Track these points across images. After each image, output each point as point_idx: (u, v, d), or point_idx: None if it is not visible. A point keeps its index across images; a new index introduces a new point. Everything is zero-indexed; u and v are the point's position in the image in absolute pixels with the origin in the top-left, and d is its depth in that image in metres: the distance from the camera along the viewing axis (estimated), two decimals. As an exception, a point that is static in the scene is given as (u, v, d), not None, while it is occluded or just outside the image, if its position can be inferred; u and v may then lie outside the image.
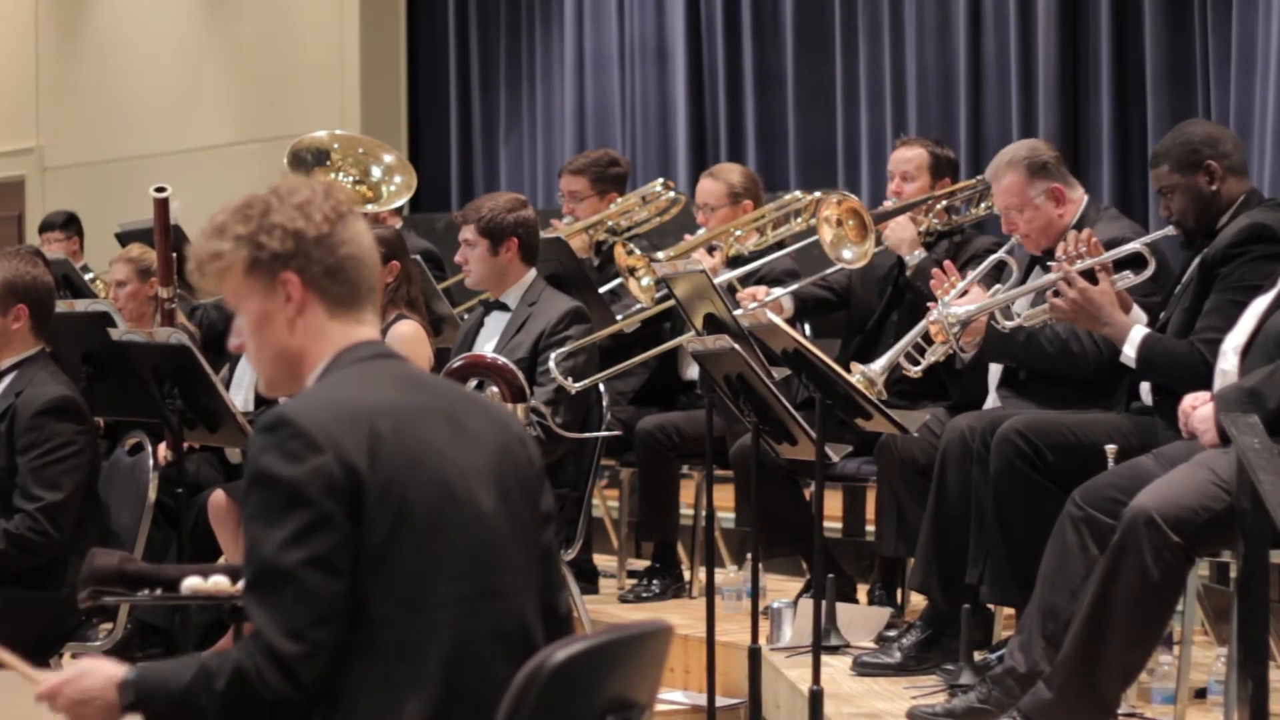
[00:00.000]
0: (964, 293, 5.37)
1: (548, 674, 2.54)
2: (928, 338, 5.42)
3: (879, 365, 5.39)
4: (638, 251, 6.74)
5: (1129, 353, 4.84)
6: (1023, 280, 5.43)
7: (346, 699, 2.64)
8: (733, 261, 6.60)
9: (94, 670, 2.74)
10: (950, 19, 8.62)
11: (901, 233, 6.01)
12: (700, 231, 6.77)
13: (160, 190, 5.88)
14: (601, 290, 6.87)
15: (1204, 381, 4.64)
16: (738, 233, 6.67)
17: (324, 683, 2.62)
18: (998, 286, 5.48)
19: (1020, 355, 5.27)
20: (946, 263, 5.41)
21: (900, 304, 6.09)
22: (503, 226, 6.07)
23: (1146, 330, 4.86)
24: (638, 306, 6.77)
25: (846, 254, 6.05)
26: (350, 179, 7.59)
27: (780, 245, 6.71)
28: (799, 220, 6.72)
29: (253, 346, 2.82)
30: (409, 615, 2.65)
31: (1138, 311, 5.05)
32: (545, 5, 10.77)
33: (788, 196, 6.82)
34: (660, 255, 6.66)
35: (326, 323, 2.78)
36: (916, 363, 5.38)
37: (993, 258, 5.62)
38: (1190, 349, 4.75)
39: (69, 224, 9.66)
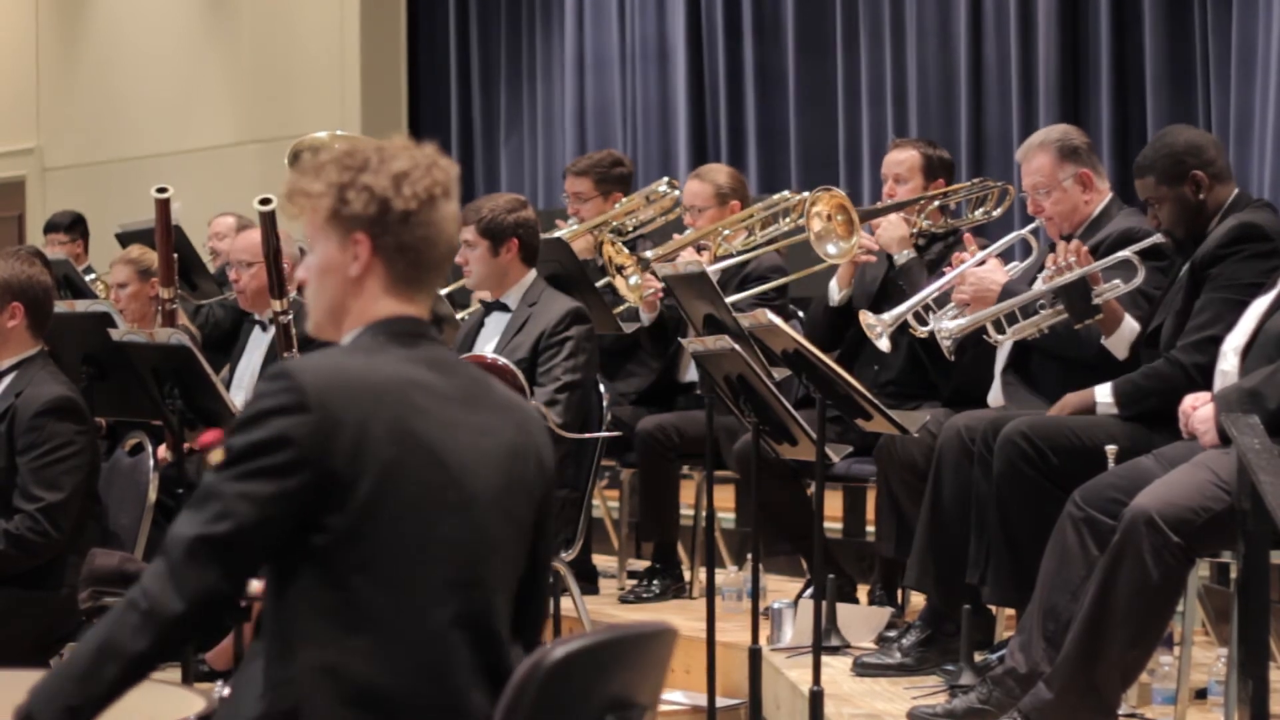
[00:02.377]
0: (981, 262, 5.39)
1: (546, 670, 2.55)
2: (939, 301, 5.44)
3: (888, 316, 5.40)
4: (625, 249, 6.74)
5: (1105, 402, 4.88)
6: (1040, 262, 5.43)
7: (293, 644, 2.67)
8: (721, 261, 6.60)
9: None
10: (951, 20, 8.62)
11: (893, 231, 6.02)
12: (688, 231, 6.78)
13: (161, 191, 5.88)
14: (599, 285, 6.86)
15: (1203, 385, 4.65)
16: (726, 232, 6.67)
17: (205, 605, 2.64)
18: (1014, 263, 5.51)
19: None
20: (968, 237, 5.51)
21: (887, 303, 6.08)
22: (503, 227, 6.07)
23: (1111, 382, 4.90)
24: (625, 305, 6.77)
25: (830, 249, 6.06)
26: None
27: (772, 244, 6.72)
28: (787, 220, 6.72)
29: (313, 287, 2.85)
30: (389, 590, 2.67)
31: (1129, 321, 5.06)
32: (546, 5, 10.77)
33: (776, 196, 6.83)
34: (648, 254, 6.67)
35: (381, 293, 2.80)
36: (925, 323, 5.40)
37: (1015, 234, 5.64)
38: (1172, 362, 4.78)
39: (74, 226, 9.65)
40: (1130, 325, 5.07)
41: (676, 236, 6.79)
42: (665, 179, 7.44)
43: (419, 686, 2.68)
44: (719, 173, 6.95)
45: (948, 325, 5.24)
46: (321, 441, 2.64)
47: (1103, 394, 4.94)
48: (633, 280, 6.69)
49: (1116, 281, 5.01)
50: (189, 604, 2.64)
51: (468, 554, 2.73)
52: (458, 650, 2.71)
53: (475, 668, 2.72)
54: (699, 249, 6.62)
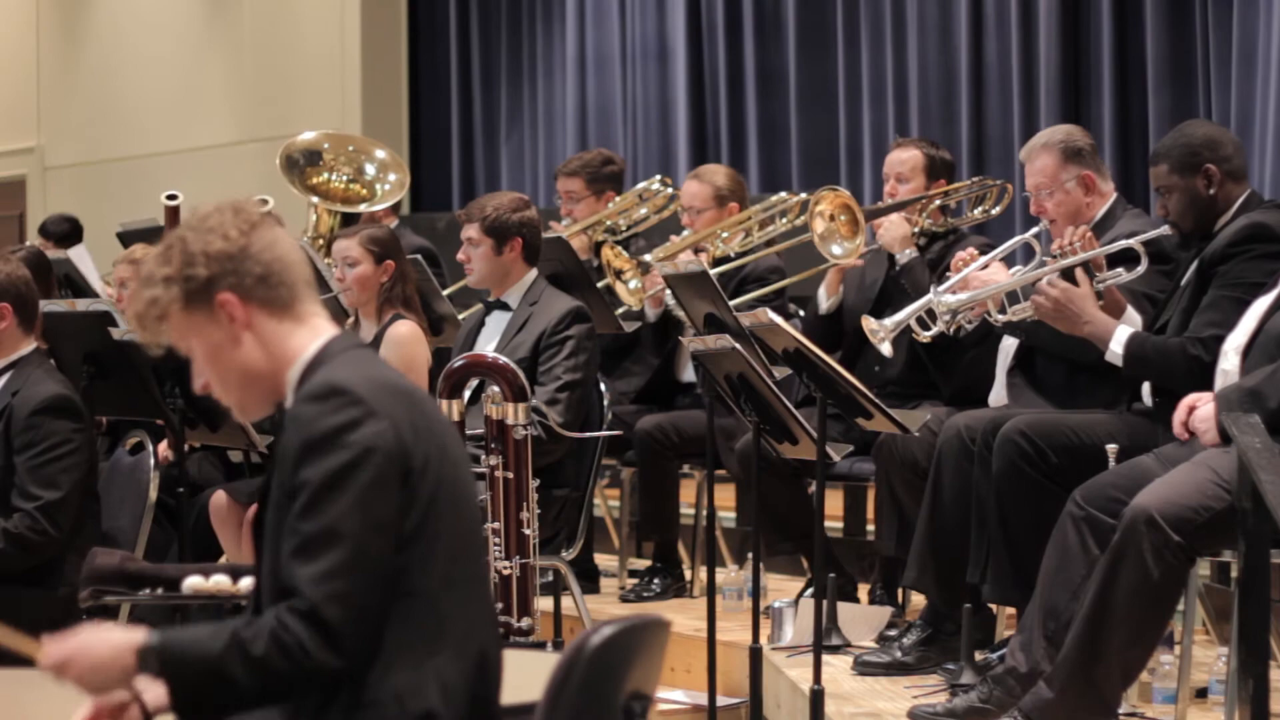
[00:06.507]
0: (984, 266, 5.37)
1: (590, 654, 2.58)
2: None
3: (890, 321, 5.39)
4: (625, 253, 6.74)
5: (1115, 349, 4.85)
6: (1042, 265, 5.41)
7: (381, 668, 2.65)
8: (719, 262, 6.61)
9: (103, 638, 2.75)
10: (952, 18, 8.62)
11: (895, 230, 6.01)
12: (686, 233, 6.78)
13: (171, 198, 5.87)
14: (599, 285, 6.86)
15: (1197, 378, 4.64)
16: (724, 234, 6.67)
17: (362, 651, 2.62)
18: (1018, 268, 5.49)
19: (1032, 327, 5.23)
20: (971, 250, 5.43)
21: (889, 305, 6.07)
22: (507, 226, 6.06)
23: (1133, 330, 4.88)
24: (624, 308, 6.77)
25: (836, 249, 6.06)
26: (344, 178, 7.58)
27: (769, 245, 6.73)
28: (785, 221, 6.72)
29: (216, 379, 2.83)
30: (440, 588, 2.69)
31: (1131, 313, 5.05)
32: (546, 4, 10.77)
33: (774, 198, 6.83)
34: (648, 257, 6.66)
35: (277, 327, 2.80)
36: (927, 328, 5.38)
37: (1018, 238, 5.63)
38: (1180, 346, 4.76)
39: (66, 239, 9.45)
40: (1133, 317, 5.05)
41: (674, 238, 6.79)
42: (658, 177, 7.44)
43: (483, 683, 2.71)
44: (718, 174, 6.94)
45: (948, 299, 5.22)
46: (395, 447, 2.66)
47: (1120, 336, 4.86)
48: (632, 284, 6.69)
49: (1119, 270, 5.00)
50: (349, 658, 2.62)
51: (479, 545, 2.82)
52: (494, 640, 2.76)
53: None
54: (697, 251, 6.62)
